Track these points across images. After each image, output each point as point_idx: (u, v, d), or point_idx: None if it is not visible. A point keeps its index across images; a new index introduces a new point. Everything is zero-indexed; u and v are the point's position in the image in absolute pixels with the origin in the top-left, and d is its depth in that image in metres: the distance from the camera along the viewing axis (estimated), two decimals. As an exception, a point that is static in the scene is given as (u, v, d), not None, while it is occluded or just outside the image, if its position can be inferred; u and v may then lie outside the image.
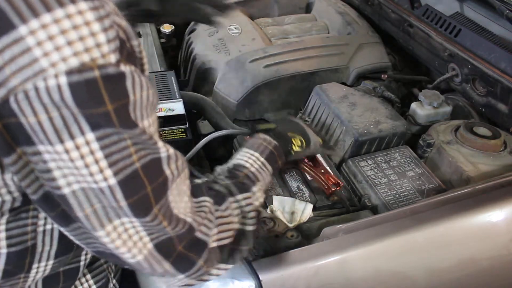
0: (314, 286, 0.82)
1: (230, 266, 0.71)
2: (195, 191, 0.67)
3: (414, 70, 1.67)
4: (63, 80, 0.48)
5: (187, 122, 1.15)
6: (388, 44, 1.63)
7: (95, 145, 0.52)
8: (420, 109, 1.32)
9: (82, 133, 0.51)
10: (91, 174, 0.53)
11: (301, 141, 0.95)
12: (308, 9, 1.89)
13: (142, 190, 0.57)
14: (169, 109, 1.18)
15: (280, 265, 0.82)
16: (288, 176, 1.12)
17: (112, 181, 0.54)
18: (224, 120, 1.32)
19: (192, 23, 1.77)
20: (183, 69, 1.71)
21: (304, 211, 0.98)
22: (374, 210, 1.06)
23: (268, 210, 1.00)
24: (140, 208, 0.57)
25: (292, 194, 1.06)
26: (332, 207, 1.06)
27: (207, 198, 0.68)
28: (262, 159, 0.81)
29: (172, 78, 1.32)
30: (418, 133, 1.28)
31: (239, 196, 0.73)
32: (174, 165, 0.61)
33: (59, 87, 0.49)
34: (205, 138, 1.10)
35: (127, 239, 0.59)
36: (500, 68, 1.21)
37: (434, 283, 0.89)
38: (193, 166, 1.08)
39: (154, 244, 0.60)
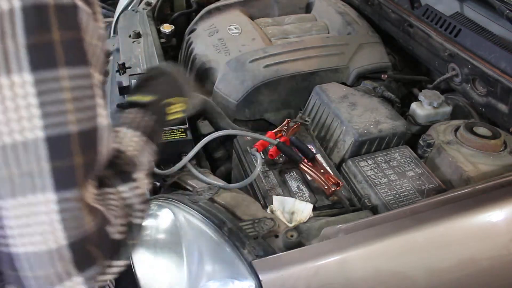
0: (314, 286, 0.82)
1: (122, 263, 0.64)
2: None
3: (414, 70, 1.67)
4: (17, 3, 0.48)
5: (187, 123, 1.15)
6: (388, 44, 1.63)
7: (31, 89, 0.49)
8: (420, 109, 1.32)
9: (20, 69, 0.48)
10: (19, 120, 0.49)
11: (182, 104, 0.86)
12: (308, 9, 1.89)
13: (70, 158, 0.51)
14: None
15: (280, 265, 0.82)
16: (288, 176, 1.12)
17: (40, 133, 0.49)
18: (224, 120, 1.32)
19: (192, 23, 1.77)
20: (183, 69, 1.71)
21: (304, 211, 0.98)
22: (374, 210, 1.06)
23: (268, 210, 1.00)
24: (63, 179, 0.51)
25: (292, 194, 1.06)
26: (332, 207, 1.06)
27: (109, 190, 0.62)
28: (143, 138, 0.73)
29: None
30: (418, 133, 1.28)
31: (121, 188, 0.65)
32: (109, 143, 0.57)
33: (11, 10, 0.48)
34: (205, 138, 1.10)
35: (34, 223, 0.51)
36: (500, 68, 1.21)
37: (434, 283, 0.89)
38: (193, 166, 1.08)
39: (68, 237, 0.52)
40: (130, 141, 0.71)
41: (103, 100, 0.55)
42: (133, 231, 0.65)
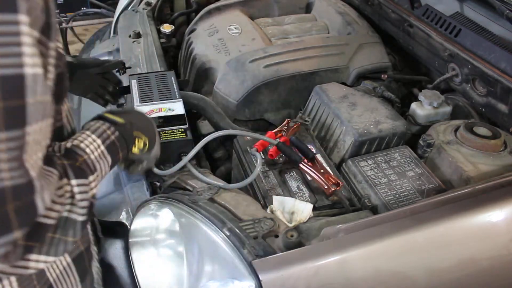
0: (314, 286, 0.82)
1: (51, 259, 0.62)
2: (46, 158, 0.60)
3: (414, 70, 1.67)
4: None
5: (187, 123, 1.15)
6: (388, 44, 1.63)
7: None
8: (420, 109, 1.32)
9: None
10: None
11: (145, 144, 0.87)
12: (308, 9, 1.89)
13: None
14: (169, 109, 1.18)
15: (280, 265, 0.82)
16: (288, 176, 1.12)
17: None
18: (224, 120, 1.32)
19: (192, 23, 1.77)
20: (183, 69, 1.71)
21: (304, 211, 0.98)
22: (374, 210, 1.06)
23: (268, 210, 1.00)
24: None
25: (292, 194, 1.06)
26: (332, 207, 1.06)
27: (54, 171, 0.61)
28: (103, 147, 0.73)
29: (172, 78, 1.32)
30: (418, 133, 1.28)
31: (74, 181, 0.65)
32: (40, 97, 0.55)
33: None
34: (205, 138, 1.10)
35: None
36: (500, 68, 1.21)
37: (434, 283, 0.89)
38: (193, 166, 1.08)
39: None
40: (90, 144, 0.72)
41: (31, 49, 0.53)
42: (67, 225, 0.64)
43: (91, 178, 0.68)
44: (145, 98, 1.22)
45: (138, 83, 1.28)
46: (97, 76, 1.21)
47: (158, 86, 1.27)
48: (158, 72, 1.37)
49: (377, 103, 1.32)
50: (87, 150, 0.70)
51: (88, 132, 0.74)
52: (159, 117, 1.14)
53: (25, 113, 0.53)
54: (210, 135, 1.10)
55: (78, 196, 0.65)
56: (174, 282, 0.96)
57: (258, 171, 1.05)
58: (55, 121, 0.71)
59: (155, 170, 1.06)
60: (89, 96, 1.23)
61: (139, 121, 0.90)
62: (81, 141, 0.71)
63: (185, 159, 1.05)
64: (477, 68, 1.26)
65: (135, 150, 0.85)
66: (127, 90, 1.27)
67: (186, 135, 1.12)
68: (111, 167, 0.77)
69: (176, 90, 1.26)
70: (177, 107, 1.18)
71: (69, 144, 0.69)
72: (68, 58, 1.12)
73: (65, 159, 0.66)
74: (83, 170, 0.67)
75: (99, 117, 0.80)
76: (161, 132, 1.10)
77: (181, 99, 1.22)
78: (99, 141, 0.74)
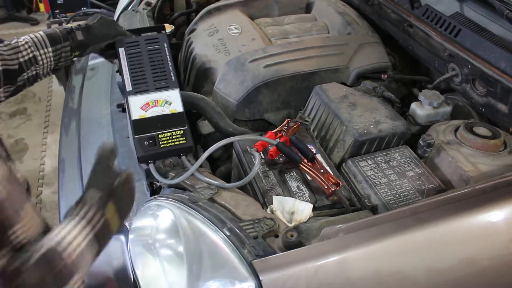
0: (314, 286, 0.82)
1: None
2: None
3: (414, 70, 1.67)
4: None
5: (186, 123, 1.13)
6: (388, 44, 1.63)
7: None
8: (420, 109, 1.32)
9: None
10: None
11: (120, 221, 0.78)
12: (308, 9, 1.89)
13: None
14: (166, 102, 1.14)
15: (280, 265, 0.82)
16: (288, 176, 1.12)
17: None
18: (224, 120, 1.32)
19: (192, 23, 1.77)
20: (183, 69, 1.71)
21: (304, 211, 0.98)
22: (374, 210, 1.06)
23: (268, 210, 1.00)
24: None
25: (292, 194, 1.06)
26: (332, 207, 1.06)
27: None
28: (90, 236, 0.67)
29: (165, 45, 1.24)
30: (418, 133, 1.28)
31: None
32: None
33: None
34: (210, 148, 1.06)
35: None
36: (500, 68, 1.21)
37: (434, 283, 0.89)
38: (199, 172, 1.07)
39: None
40: (70, 234, 0.64)
41: None
42: None
43: (73, 280, 0.62)
44: (137, 79, 1.16)
45: (126, 53, 1.22)
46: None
47: (150, 59, 1.21)
48: (148, 37, 1.28)
49: (377, 103, 1.32)
50: (69, 249, 0.63)
51: (70, 222, 0.67)
52: (158, 120, 1.12)
53: None
54: (216, 144, 1.08)
55: None
56: (174, 282, 0.96)
57: (256, 170, 1.05)
58: None
59: (161, 179, 1.06)
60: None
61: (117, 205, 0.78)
62: (60, 241, 0.63)
63: (192, 169, 1.04)
64: (477, 68, 1.26)
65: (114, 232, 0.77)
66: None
67: (185, 139, 1.11)
68: (100, 252, 0.70)
69: (169, 62, 1.21)
70: (175, 99, 1.15)
71: (44, 249, 0.62)
72: (79, 36, 1.16)
73: (42, 268, 0.59)
74: (63, 277, 0.61)
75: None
76: (159, 135, 1.10)
77: (177, 87, 1.18)
78: (85, 231, 0.67)
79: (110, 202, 0.74)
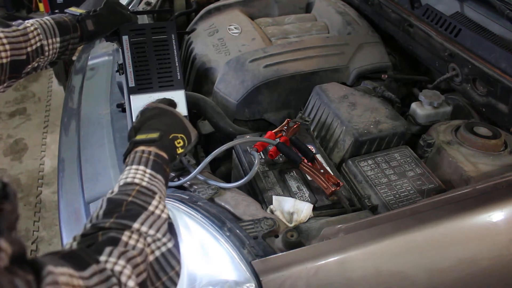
0: (314, 286, 0.82)
1: None
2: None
3: (414, 70, 1.67)
4: None
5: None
6: (388, 44, 1.63)
7: None
8: (420, 109, 1.32)
9: None
10: None
11: (183, 140, 0.88)
12: (308, 9, 1.89)
13: None
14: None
15: (280, 265, 0.82)
16: (288, 176, 1.12)
17: None
18: (224, 120, 1.32)
19: (192, 22, 1.77)
20: (183, 69, 1.71)
21: (304, 211, 0.98)
22: (374, 210, 1.06)
23: (268, 210, 1.00)
24: None
25: (292, 194, 1.06)
26: (332, 207, 1.05)
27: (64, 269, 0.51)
28: (149, 170, 0.76)
29: (173, 36, 1.14)
30: (418, 133, 1.28)
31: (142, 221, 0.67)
32: None
33: None
34: (213, 152, 1.06)
35: None
36: (500, 68, 1.21)
37: (434, 283, 0.89)
38: (192, 165, 1.07)
39: None
40: (141, 174, 0.74)
41: None
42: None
43: (151, 207, 0.71)
44: (141, 74, 1.10)
45: (130, 42, 1.14)
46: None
47: (156, 52, 1.13)
48: (155, 25, 1.18)
49: (377, 103, 1.32)
50: (136, 180, 0.73)
51: (128, 167, 0.76)
52: None
53: None
54: (219, 148, 1.08)
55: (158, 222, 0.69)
56: (174, 282, 0.96)
57: (255, 170, 1.05)
58: None
59: None
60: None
61: (168, 121, 0.89)
62: (126, 176, 0.74)
63: (194, 173, 1.04)
64: (477, 68, 1.26)
65: (180, 150, 0.86)
66: (134, 90, 1.13)
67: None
68: (166, 184, 0.79)
69: (176, 57, 1.13)
70: (179, 101, 1.08)
71: (116, 189, 0.72)
72: (90, 25, 1.09)
73: (109, 217, 0.66)
74: (132, 210, 0.68)
75: (135, 143, 0.81)
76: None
77: (183, 88, 1.13)
78: (142, 167, 0.76)
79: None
